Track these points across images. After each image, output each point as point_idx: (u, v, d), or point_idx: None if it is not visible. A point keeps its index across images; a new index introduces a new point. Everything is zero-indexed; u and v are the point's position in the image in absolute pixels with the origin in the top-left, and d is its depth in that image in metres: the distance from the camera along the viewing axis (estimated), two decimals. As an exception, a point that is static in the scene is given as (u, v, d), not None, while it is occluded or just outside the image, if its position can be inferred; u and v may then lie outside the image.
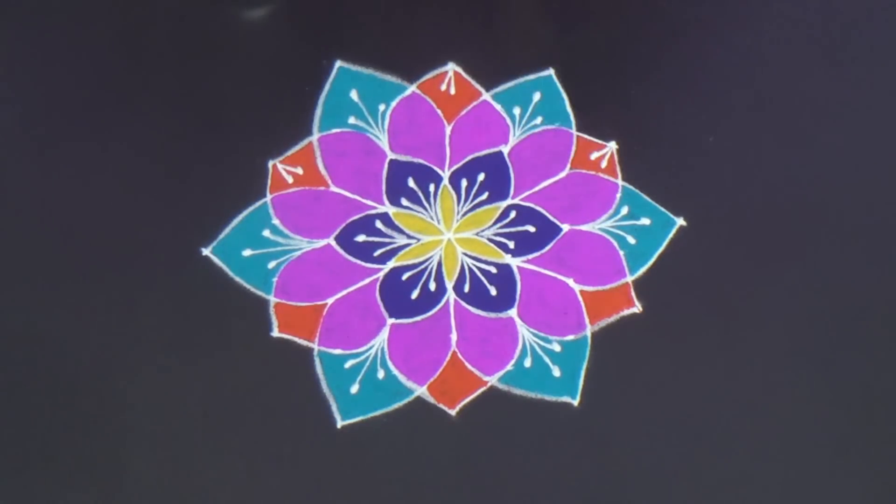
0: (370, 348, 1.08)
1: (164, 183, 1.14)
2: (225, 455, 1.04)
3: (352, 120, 1.17)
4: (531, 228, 1.13)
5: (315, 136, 1.16)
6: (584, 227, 1.13)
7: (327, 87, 1.18)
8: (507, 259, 1.12)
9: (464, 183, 1.15)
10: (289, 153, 1.16)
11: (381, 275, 1.11)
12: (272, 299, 1.10)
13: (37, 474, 1.03)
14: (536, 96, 1.18)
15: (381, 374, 1.07)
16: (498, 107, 1.18)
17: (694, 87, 1.20)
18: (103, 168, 1.15)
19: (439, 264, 1.12)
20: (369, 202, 1.14)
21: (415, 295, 1.10)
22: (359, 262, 1.12)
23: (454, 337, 1.09)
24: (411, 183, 1.15)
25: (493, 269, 1.11)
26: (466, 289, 1.11)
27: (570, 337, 1.09)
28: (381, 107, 1.18)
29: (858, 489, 1.03)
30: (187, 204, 1.13)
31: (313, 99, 1.18)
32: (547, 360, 1.08)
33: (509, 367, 1.07)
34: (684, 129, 1.18)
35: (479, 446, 1.04)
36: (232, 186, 1.14)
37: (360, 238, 1.12)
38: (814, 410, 1.05)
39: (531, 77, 1.19)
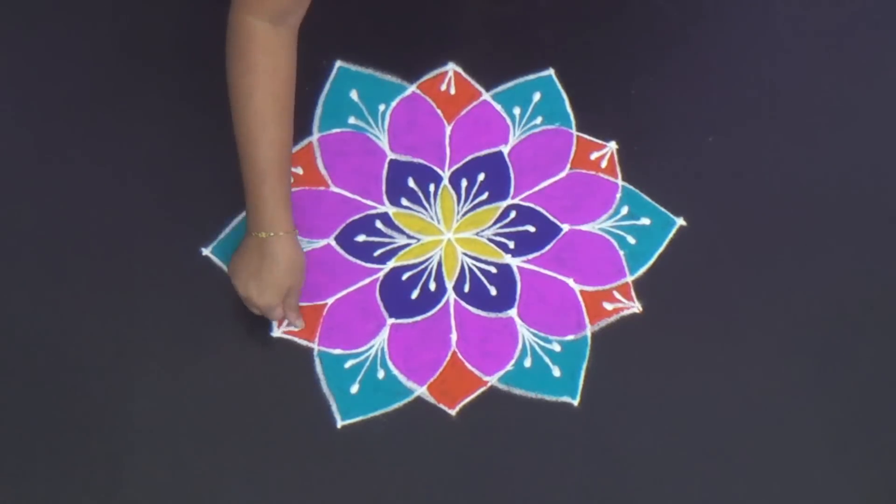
0: (370, 348, 1.08)
1: (164, 183, 1.14)
2: (225, 455, 1.04)
3: (352, 120, 1.17)
4: (531, 228, 1.13)
5: (315, 136, 1.16)
6: (584, 227, 1.13)
7: (327, 87, 1.18)
8: (507, 259, 1.12)
9: (464, 183, 1.15)
10: (289, 153, 1.16)
11: (381, 275, 1.11)
12: (272, 299, 1.10)
13: (37, 474, 1.03)
14: (536, 96, 1.18)
15: (381, 374, 1.07)
16: (498, 107, 1.18)
17: (694, 87, 1.20)
18: (103, 168, 1.15)
19: (439, 264, 1.12)
20: (369, 202, 1.14)
21: (415, 295, 1.10)
22: (359, 262, 1.12)
23: (454, 337, 1.09)
24: (411, 183, 1.15)
25: (493, 269, 1.11)
26: (466, 289, 1.10)
27: (570, 337, 1.09)
28: (381, 107, 1.18)
29: (857, 489, 1.03)
30: (187, 204, 1.13)
31: (313, 99, 1.18)
32: (547, 360, 1.07)
33: (509, 367, 1.07)
34: (684, 129, 1.18)
35: (479, 446, 1.04)
36: (232, 186, 1.14)
37: (360, 238, 1.12)
38: (813, 410, 1.05)
39: (531, 77, 1.19)
